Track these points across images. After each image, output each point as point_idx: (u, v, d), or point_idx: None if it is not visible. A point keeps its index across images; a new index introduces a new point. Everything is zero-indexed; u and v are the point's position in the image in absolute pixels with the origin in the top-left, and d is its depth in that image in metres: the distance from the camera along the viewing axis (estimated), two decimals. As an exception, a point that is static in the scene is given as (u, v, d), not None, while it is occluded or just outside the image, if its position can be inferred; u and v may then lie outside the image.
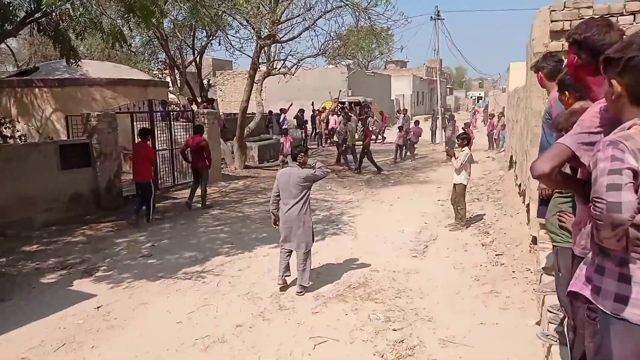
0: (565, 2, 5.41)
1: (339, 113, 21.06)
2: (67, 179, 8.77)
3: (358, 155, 14.50)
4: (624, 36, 2.13)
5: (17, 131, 13.13)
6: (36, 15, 7.47)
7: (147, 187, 8.54)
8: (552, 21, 5.40)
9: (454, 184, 7.92)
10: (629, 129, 1.59)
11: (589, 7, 5.29)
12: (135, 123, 10.64)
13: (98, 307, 5.17)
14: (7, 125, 12.08)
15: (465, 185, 7.90)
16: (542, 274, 4.37)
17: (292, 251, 5.54)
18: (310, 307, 5.06)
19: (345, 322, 4.71)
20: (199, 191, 9.78)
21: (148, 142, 8.98)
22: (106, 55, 18.56)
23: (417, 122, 18.05)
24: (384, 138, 24.00)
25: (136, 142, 9.02)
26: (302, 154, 5.43)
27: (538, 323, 4.30)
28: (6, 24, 7.17)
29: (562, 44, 5.51)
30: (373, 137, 23.53)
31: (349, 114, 18.22)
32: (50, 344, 4.41)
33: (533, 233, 5.77)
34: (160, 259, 6.70)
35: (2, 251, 7.00)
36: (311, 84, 26.27)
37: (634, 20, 4.96)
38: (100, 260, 6.68)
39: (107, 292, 5.59)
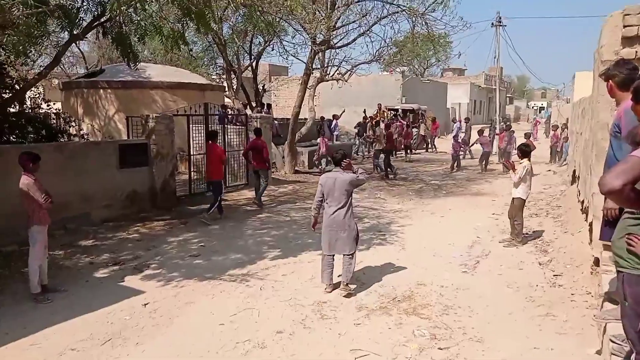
0: (642, 5, 5.01)
1: (389, 120, 20.83)
2: (125, 177, 9.14)
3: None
4: None
5: (81, 130, 13.89)
6: (102, 20, 7.85)
7: (218, 185, 9.20)
8: (625, 26, 5.01)
9: (512, 198, 7.53)
10: None
11: (669, 11, 4.87)
12: (191, 125, 10.95)
13: (145, 304, 5.30)
14: (72, 124, 12.78)
15: (524, 200, 7.47)
16: (604, 300, 4.01)
17: (333, 257, 5.60)
18: (352, 317, 4.94)
19: (388, 336, 4.55)
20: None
21: (218, 142, 9.58)
22: (168, 60, 19.34)
23: (481, 131, 17.30)
24: (434, 147, 23.38)
25: (208, 144, 9.62)
26: (346, 158, 5.53)
27: (599, 352, 3.96)
28: (75, 28, 7.57)
29: (636, 51, 5.10)
30: (424, 146, 23.13)
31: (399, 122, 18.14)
32: (98, 338, 4.55)
33: (595, 254, 5.35)
34: (208, 260, 6.81)
35: (61, 244, 7.36)
36: (365, 91, 26.14)
37: None
38: (151, 258, 6.88)
39: (155, 290, 5.72)
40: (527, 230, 8.12)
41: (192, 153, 11.14)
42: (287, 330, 4.65)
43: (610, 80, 3.47)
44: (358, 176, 5.49)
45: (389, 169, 14.65)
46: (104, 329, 4.71)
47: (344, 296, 5.44)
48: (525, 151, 7.60)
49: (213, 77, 19.85)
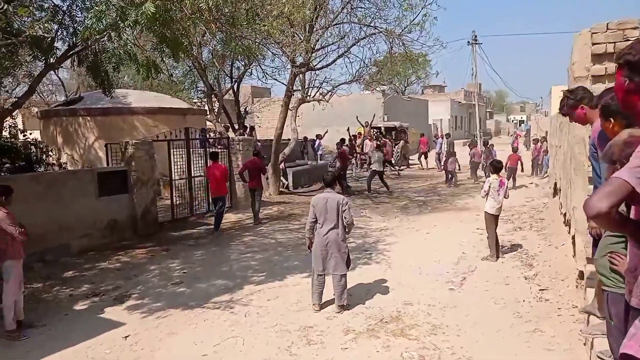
0: (607, 24, 5.13)
1: (375, 138, 20.97)
2: (104, 206, 8.97)
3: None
4: None
5: (60, 159, 13.68)
6: (76, 49, 7.80)
7: (222, 200, 9.89)
8: (593, 44, 5.13)
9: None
10: None
11: (634, 28, 4.99)
12: (172, 150, 10.85)
13: (126, 337, 5.14)
14: (51, 153, 12.59)
15: (492, 215, 7.46)
16: (589, 315, 4.00)
17: (324, 277, 5.66)
18: (339, 342, 4.84)
19: (376, 359, 4.45)
20: None
21: (220, 162, 10.26)
22: (148, 85, 19.28)
23: (472, 144, 17.76)
24: (421, 163, 23.44)
25: (209, 164, 10.42)
26: (336, 180, 5.72)
27: (588, 368, 3.92)
28: (49, 58, 7.50)
29: (606, 68, 5.21)
30: (405, 162, 23.22)
31: (383, 140, 18.18)
32: (77, 374, 4.37)
33: (579, 267, 5.36)
34: (191, 287, 6.66)
35: (40, 277, 7.15)
36: (347, 110, 26.30)
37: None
38: (132, 288, 6.70)
39: (136, 321, 5.56)
40: (511, 244, 8.16)
41: (174, 178, 11.01)
42: (273, 358, 4.53)
43: (580, 106, 3.51)
44: (346, 205, 5.58)
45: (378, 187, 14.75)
46: (82, 365, 4.54)
47: (337, 312, 5.52)
48: (496, 167, 7.73)
49: (194, 101, 19.82)
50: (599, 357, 3.27)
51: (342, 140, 19.70)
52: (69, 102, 15.84)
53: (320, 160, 20.22)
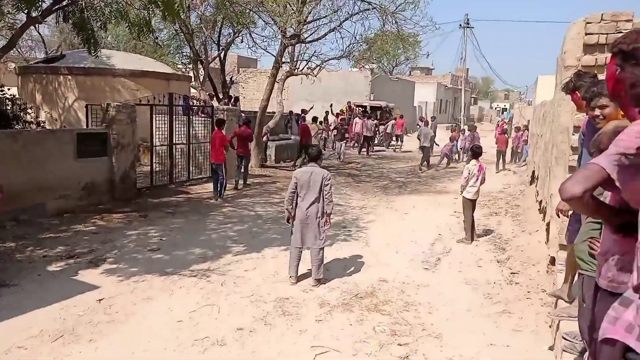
0: (602, 15, 5.14)
1: (367, 116, 20.96)
2: (82, 168, 8.80)
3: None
4: None
5: (38, 117, 13.31)
6: (62, 3, 7.50)
7: (220, 168, 9.92)
8: (586, 34, 5.14)
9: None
10: None
11: (628, 21, 5.02)
12: (154, 116, 10.65)
13: (100, 300, 5.12)
14: (29, 111, 12.23)
15: (469, 199, 7.59)
16: (557, 299, 4.13)
17: (302, 250, 5.72)
18: (314, 314, 4.92)
19: (349, 332, 4.55)
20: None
21: (222, 130, 10.26)
22: (132, 47, 18.76)
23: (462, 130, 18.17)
24: (398, 144, 23.41)
25: (214, 130, 10.64)
26: (322, 155, 5.61)
27: (551, 348, 4.08)
28: (32, 10, 7.20)
29: (596, 59, 5.25)
30: (391, 143, 23.29)
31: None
32: (49, 335, 4.35)
33: (551, 253, 5.51)
34: (168, 254, 6.64)
35: (13, 236, 7.03)
36: (335, 87, 26.13)
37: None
38: (108, 252, 6.65)
39: (111, 285, 5.53)
40: (486, 228, 8.33)
41: (154, 144, 10.85)
42: (248, 327, 4.59)
43: (576, 92, 3.55)
44: (328, 185, 5.60)
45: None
46: (55, 326, 4.51)
47: (313, 285, 5.61)
48: (476, 152, 7.83)
49: (179, 66, 19.37)
50: (564, 338, 3.39)
51: (303, 111, 19.62)
52: (50, 59, 15.35)
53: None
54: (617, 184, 1.70)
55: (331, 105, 22.18)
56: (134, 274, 5.88)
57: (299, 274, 5.80)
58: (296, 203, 5.65)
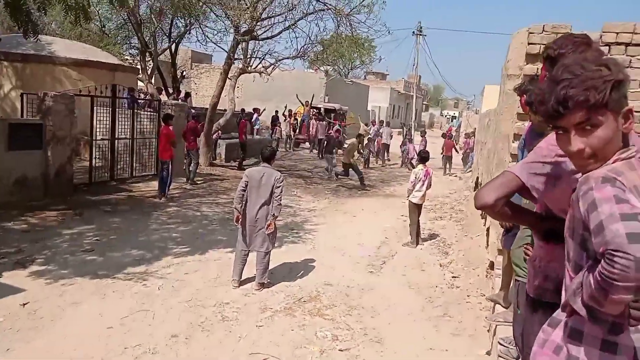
0: (544, 26, 5.32)
1: (320, 118, 20.92)
2: (14, 161, 8.21)
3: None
4: (603, 57, 1.94)
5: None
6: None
7: (165, 165, 9.55)
8: (529, 43, 5.30)
9: None
10: (613, 162, 1.35)
11: (566, 33, 5.23)
12: (96, 108, 10.13)
13: (24, 304, 4.75)
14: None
15: (415, 204, 7.68)
16: (495, 303, 4.21)
17: (248, 253, 5.54)
18: (255, 319, 4.78)
19: (290, 338, 4.45)
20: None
21: (170, 126, 9.77)
22: (77, 35, 17.82)
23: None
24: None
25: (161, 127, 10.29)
26: (275, 155, 5.65)
27: (488, 353, 4.14)
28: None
29: (537, 68, 5.42)
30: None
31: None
32: (-39, 343, 3.98)
33: (491, 258, 5.64)
34: (103, 256, 6.28)
35: None
36: (289, 86, 25.96)
37: (609, 52, 4.91)
38: (38, 252, 6.21)
39: (38, 288, 5.15)
40: (431, 232, 8.47)
41: (95, 138, 10.31)
42: (184, 333, 4.38)
43: (524, 95, 3.60)
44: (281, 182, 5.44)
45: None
46: (-32, 333, 4.13)
47: (256, 289, 5.45)
48: (423, 157, 7.98)
49: (126, 57, 18.56)
50: (499, 343, 3.43)
51: (256, 110, 19.51)
52: (-19, 42, 14.26)
53: (257, 135, 19.87)
54: (533, 192, 1.69)
55: (285, 107, 22.06)
56: (64, 276, 5.51)
57: (243, 278, 5.62)
58: (246, 203, 5.46)
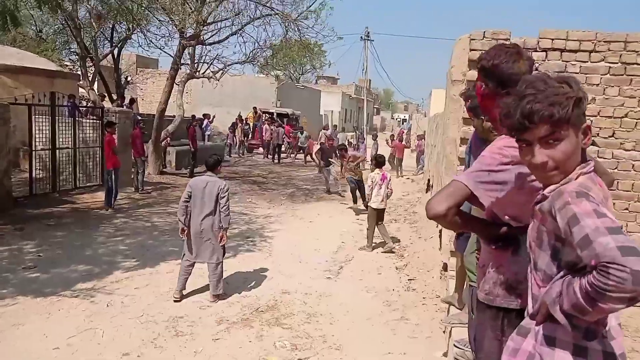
0: (484, 32, 5.51)
1: (278, 124, 20.81)
2: (-58, 175, 7.62)
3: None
4: (534, 66, 2.02)
5: None
6: None
7: (110, 174, 9.21)
8: (471, 50, 5.47)
9: None
10: (576, 178, 1.40)
11: (506, 39, 5.42)
12: (34, 117, 9.58)
13: (-42, 329, 4.40)
14: None
15: (374, 208, 7.66)
16: (450, 305, 4.30)
17: (194, 264, 5.40)
18: (211, 332, 4.64)
19: (248, 350, 4.35)
20: None
21: (113, 134, 9.47)
22: (10, 40, 16.82)
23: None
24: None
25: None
26: (220, 164, 5.50)
27: (445, 354, 4.22)
28: None
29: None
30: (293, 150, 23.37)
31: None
32: None
33: (444, 259, 5.77)
34: (47, 272, 5.93)
35: None
36: (240, 92, 25.69)
37: (546, 57, 5.14)
38: (-28, 271, 5.78)
39: (-27, 310, 4.79)
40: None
41: (34, 148, 9.75)
42: (135, 351, 4.19)
43: (469, 101, 3.69)
44: (224, 197, 5.28)
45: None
46: None
47: (211, 301, 5.30)
48: (379, 162, 8.03)
49: (66, 63, 17.69)
50: (455, 346, 3.50)
51: (206, 115, 19.35)
52: None
53: (208, 141, 19.50)
54: (480, 199, 1.74)
55: (240, 114, 21.90)
56: (4, 296, 5.17)
57: (195, 289, 5.47)
58: (190, 214, 5.31)
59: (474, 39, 5.27)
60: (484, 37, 5.29)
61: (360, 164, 11.11)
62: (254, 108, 23.70)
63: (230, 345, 4.42)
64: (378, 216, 7.73)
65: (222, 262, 5.45)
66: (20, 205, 9.02)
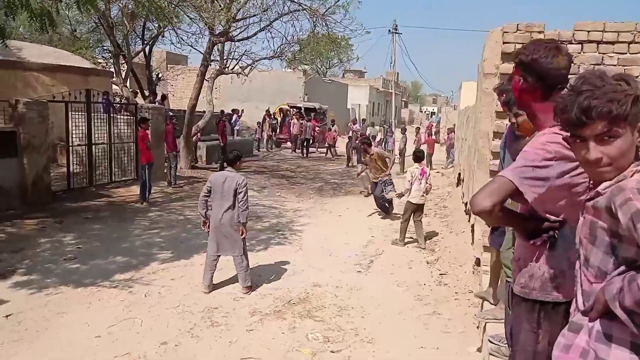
0: (518, 25, 5.40)
1: (299, 117, 20.90)
2: (-13, 170, 7.98)
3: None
4: (572, 61, 2.00)
5: None
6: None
7: (143, 169, 9.51)
8: (504, 43, 5.37)
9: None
10: (631, 176, 1.39)
11: (540, 32, 5.30)
12: (71, 113, 9.90)
13: (7, 316, 4.63)
14: None
15: (412, 203, 7.55)
16: (483, 300, 4.26)
17: (218, 258, 5.49)
18: (245, 324, 4.74)
19: (281, 341, 4.42)
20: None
21: (147, 130, 9.74)
22: (47, 40, 17.38)
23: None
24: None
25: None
26: (240, 159, 5.52)
27: (479, 350, 4.19)
28: None
29: (513, 67, 5.50)
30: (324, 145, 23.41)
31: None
32: (-59, 360, 3.84)
33: (477, 254, 5.71)
34: (86, 264, 6.15)
35: None
36: (268, 87, 25.90)
37: (581, 50, 5.00)
38: (18, 262, 6.06)
39: (21, 299, 5.03)
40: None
41: (72, 144, 10.08)
42: (173, 340, 4.32)
43: (504, 95, 3.63)
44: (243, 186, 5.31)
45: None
46: (-52, 350, 4.00)
47: (244, 293, 5.39)
48: (417, 156, 7.85)
49: (99, 61, 18.19)
50: (489, 341, 3.47)
51: (235, 111, 19.57)
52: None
53: (237, 136, 19.75)
54: (525, 195, 1.74)
55: (268, 109, 22.11)
56: (48, 285, 5.39)
57: (227, 278, 5.61)
58: (211, 208, 5.40)
59: (507, 32, 5.19)
60: (517, 30, 5.20)
61: (387, 161, 9.37)
62: (280, 107, 23.86)
63: (263, 336, 4.50)
64: (416, 211, 7.60)
65: (245, 254, 5.50)
66: (59, 199, 9.36)
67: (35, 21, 6.04)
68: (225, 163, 5.62)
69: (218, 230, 5.36)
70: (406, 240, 7.69)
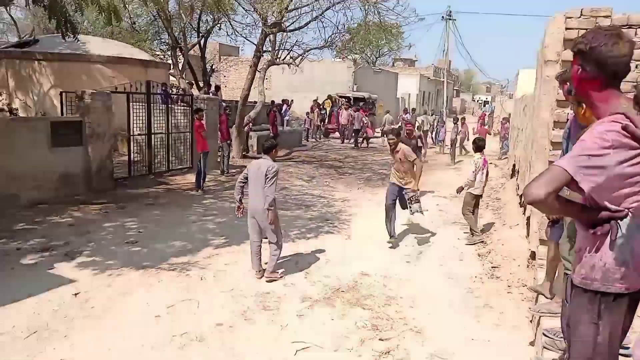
0: (582, 10, 5.15)
1: (356, 109, 20.86)
2: (57, 157, 8.54)
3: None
4: (634, 47, 1.92)
5: (10, 104, 12.88)
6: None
7: (198, 158, 9.85)
8: (566, 29, 5.14)
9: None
10: None
11: (606, 17, 5.03)
12: (132, 104, 10.40)
13: (76, 294, 4.98)
14: (1, 98, 11.81)
15: (474, 195, 7.25)
16: (538, 294, 4.16)
17: (260, 244, 5.63)
18: (296, 309, 4.86)
19: (330, 327, 4.51)
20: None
21: (202, 120, 10.03)
22: (109, 33, 18.26)
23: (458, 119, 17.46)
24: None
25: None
26: (275, 148, 5.62)
27: (532, 344, 4.10)
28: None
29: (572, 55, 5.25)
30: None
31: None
32: (22, 330, 4.22)
33: (532, 248, 5.55)
34: (146, 247, 6.50)
35: (-16, 227, 6.80)
36: (318, 77, 25.96)
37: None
38: (84, 244, 6.48)
39: (87, 279, 5.39)
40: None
41: (132, 133, 10.60)
42: (228, 322, 4.51)
43: (566, 84, 3.50)
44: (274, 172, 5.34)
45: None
46: (28, 321, 4.37)
47: (267, 281, 5.48)
48: (479, 146, 7.38)
49: (157, 53, 18.92)
50: (544, 335, 3.40)
51: (285, 101, 19.66)
52: (23, 44, 14.82)
53: (287, 126, 20.00)
54: (581, 184, 1.71)
55: (317, 99, 22.16)
56: (111, 267, 5.74)
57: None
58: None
59: (570, 17, 4.96)
60: (581, 15, 4.96)
61: (413, 168, 7.09)
62: (329, 96, 23.84)
63: (314, 321, 4.61)
64: (475, 203, 7.36)
65: (277, 243, 5.57)
66: (121, 185, 9.90)
67: (102, 15, 6.37)
68: (262, 151, 5.72)
69: (251, 217, 5.51)
70: (462, 231, 7.49)
